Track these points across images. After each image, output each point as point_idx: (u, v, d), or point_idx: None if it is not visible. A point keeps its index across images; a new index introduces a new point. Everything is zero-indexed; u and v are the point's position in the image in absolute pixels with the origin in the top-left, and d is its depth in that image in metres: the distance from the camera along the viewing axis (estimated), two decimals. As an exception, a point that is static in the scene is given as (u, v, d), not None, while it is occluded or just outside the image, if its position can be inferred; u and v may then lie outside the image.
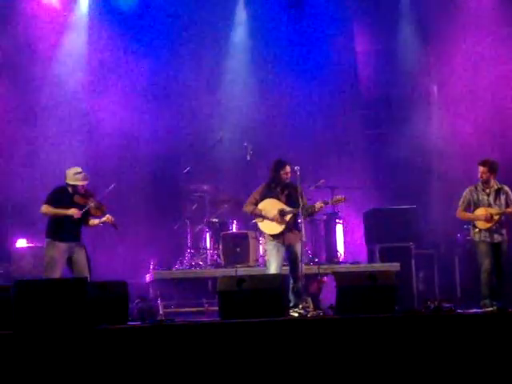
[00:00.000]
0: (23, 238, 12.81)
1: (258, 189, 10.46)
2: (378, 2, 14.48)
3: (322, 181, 12.92)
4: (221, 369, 7.52)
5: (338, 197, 10.55)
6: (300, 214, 10.15)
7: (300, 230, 10.27)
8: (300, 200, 10.15)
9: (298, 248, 10.23)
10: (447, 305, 10.30)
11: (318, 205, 10.25)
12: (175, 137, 14.08)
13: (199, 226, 12.76)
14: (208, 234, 12.78)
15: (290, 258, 10.27)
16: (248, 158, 12.42)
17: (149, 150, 14.00)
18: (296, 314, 9.66)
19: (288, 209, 10.22)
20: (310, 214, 10.44)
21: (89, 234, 11.65)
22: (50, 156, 13.36)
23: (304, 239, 11.78)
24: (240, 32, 14.54)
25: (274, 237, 10.26)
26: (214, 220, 12.76)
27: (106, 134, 13.74)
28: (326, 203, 10.44)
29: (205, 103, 14.25)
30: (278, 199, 10.31)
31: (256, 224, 10.54)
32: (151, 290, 12.30)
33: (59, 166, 12.77)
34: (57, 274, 9.78)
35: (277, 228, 10.25)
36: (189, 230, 12.79)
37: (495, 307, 9.90)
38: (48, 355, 7.28)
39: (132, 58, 14.02)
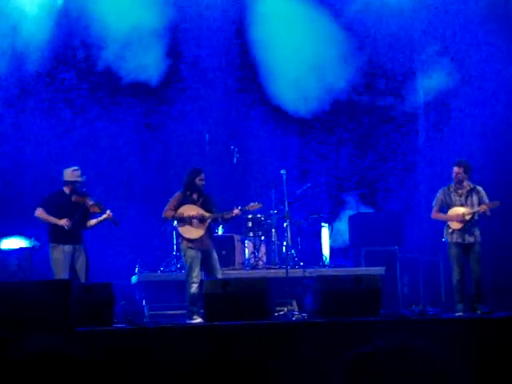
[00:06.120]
0: (8, 236, 12.67)
1: (174, 196, 10.75)
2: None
3: (308, 184, 13.01)
4: (206, 371, 7.53)
5: (254, 203, 10.99)
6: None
7: (213, 238, 10.78)
8: (214, 207, 10.67)
9: (215, 255, 10.54)
10: (432, 309, 10.38)
11: (236, 211, 10.61)
12: (162, 138, 14.06)
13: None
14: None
15: (206, 265, 10.48)
16: (235, 160, 12.47)
17: (134, 151, 13.98)
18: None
19: (207, 214, 10.49)
20: (226, 220, 10.89)
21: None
22: (38, 152, 13.31)
23: (289, 243, 11.91)
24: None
25: (193, 242, 10.47)
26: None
27: (95, 136, 13.72)
28: (244, 209, 10.88)
29: (192, 106, 14.24)
30: (196, 205, 10.56)
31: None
32: (137, 292, 12.29)
33: (47, 163, 12.85)
34: (66, 274, 9.89)
35: (197, 233, 10.48)
36: (175, 232, 12.78)
37: (480, 311, 9.96)
38: (32, 358, 7.25)
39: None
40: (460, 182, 10.63)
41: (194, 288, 10.20)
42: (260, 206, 11.08)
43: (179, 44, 14.00)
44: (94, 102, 13.68)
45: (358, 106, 14.43)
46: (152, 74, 13.77)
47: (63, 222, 10.00)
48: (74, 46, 13.49)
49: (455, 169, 10.64)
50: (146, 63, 13.66)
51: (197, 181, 10.58)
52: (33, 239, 12.09)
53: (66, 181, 10.27)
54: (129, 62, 13.55)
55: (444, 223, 10.72)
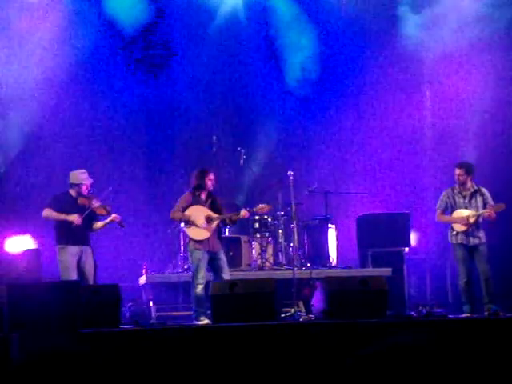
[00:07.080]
0: (15, 237, 12.65)
1: (182, 197, 10.72)
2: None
3: (314, 186, 13.00)
4: (213, 372, 7.54)
5: (263, 205, 10.95)
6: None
7: (221, 239, 10.76)
8: (222, 208, 10.67)
9: (223, 256, 10.54)
10: (439, 310, 10.37)
11: (243, 212, 10.63)
12: (168, 139, 14.08)
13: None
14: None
15: (214, 266, 10.47)
16: (241, 162, 12.48)
17: (142, 152, 14.00)
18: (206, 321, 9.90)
19: (215, 215, 10.51)
20: (233, 222, 10.88)
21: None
22: (44, 150, 13.35)
23: (296, 244, 11.91)
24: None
25: (200, 243, 10.46)
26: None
27: (99, 132, 13.76)
28: (253, 211, 10.89)
29: (199, 107, 14.25)
30: (204, 206, 10.57)
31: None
32: (144, 294, 12.31)
33: (54, 161, 12.91)
34: (74, 275, 9.90)
35: (204, 234, 10.47)
36: (182, 233, 12.79)
37: (488, 312, 9.96)
38: (40, 358, 7.27)
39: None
40: (463, 184, 10.61)
41: (200, 289, 10.22)
42: (269, 207, 11.04)
43: (181, 36, 14.09)
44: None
45: (362, 107, 14.46)
46: (155, 70, 13.91)
47: (73, 217, 9.99)
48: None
49: (456, 171, 10.64)
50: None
51: (206, 181, 10.58)
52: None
53: (73, 183, 10.28)
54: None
55: (448, 225, 10.72)
